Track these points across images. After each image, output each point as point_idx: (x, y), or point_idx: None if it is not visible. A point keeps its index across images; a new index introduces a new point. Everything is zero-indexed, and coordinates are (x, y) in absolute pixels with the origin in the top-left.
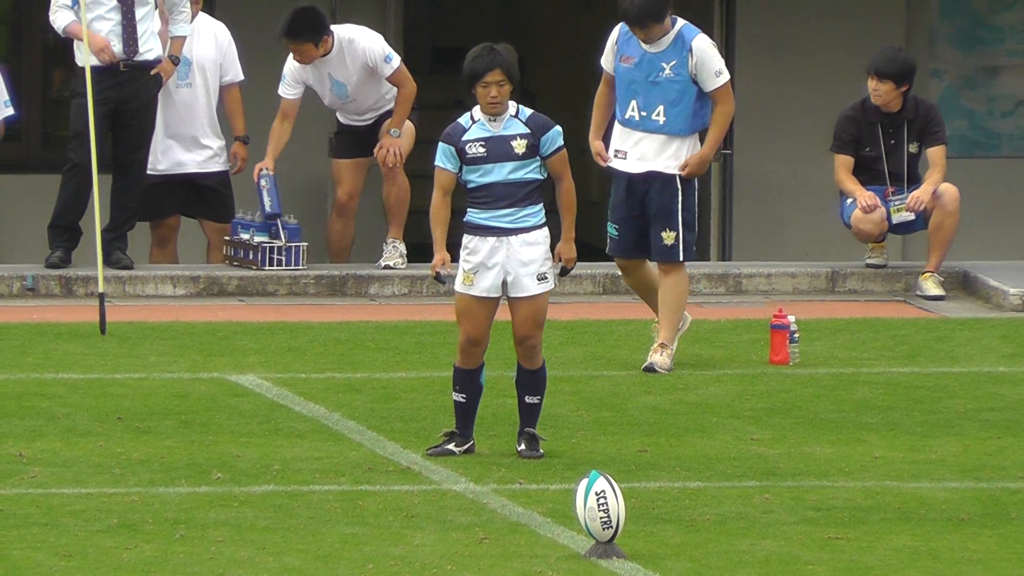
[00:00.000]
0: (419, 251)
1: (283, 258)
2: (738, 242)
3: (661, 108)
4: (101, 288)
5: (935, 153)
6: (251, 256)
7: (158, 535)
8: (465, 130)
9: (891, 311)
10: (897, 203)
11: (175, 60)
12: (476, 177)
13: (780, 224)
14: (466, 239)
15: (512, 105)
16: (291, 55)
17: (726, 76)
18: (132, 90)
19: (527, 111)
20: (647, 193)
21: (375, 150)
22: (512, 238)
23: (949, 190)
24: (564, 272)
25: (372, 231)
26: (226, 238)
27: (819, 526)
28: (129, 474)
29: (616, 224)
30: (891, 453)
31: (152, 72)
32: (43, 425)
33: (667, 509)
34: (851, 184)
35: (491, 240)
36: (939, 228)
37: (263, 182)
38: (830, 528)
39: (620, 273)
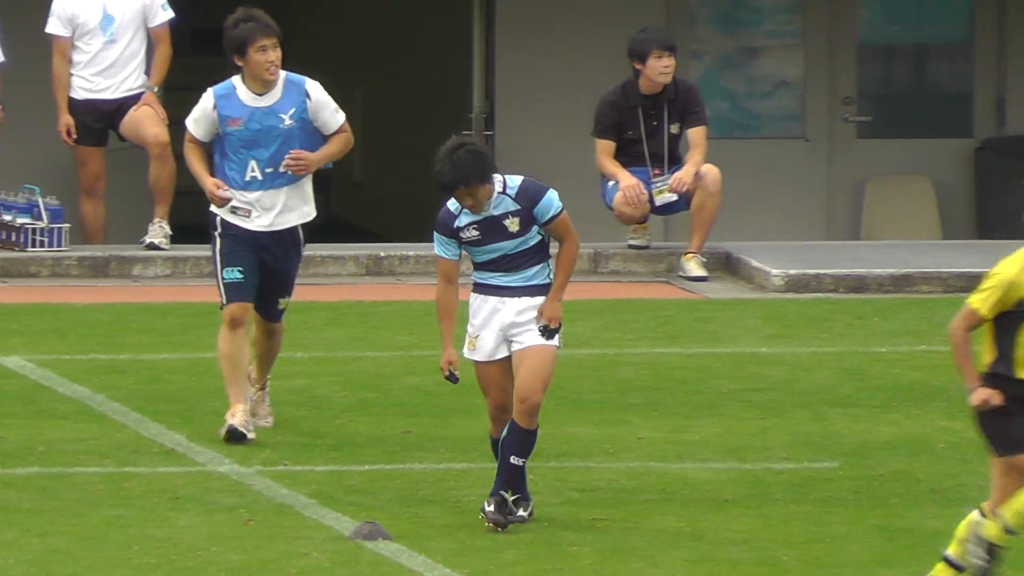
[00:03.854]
0: (184, 232)
1: (45, 239)
2: None
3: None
4: None
5: (696, 134)
6: (13, 237)
7: None
8: (455, 216)
9: (654, 292)
10: (660, 184)
11: None
12: (477, 255)
13: None
14: (471, 298)
15: (498, 180)
16: None
17: (342, 113)
18: None
19: (515, 182)
20: (269, 249)
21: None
22: (515, 300)
23: (711, 171)
24: (547, 332)
25: (132, 211)
26: None
27: (583, 507)
28: None
29: (240, 267)
30: (655, 434)
31: None
32: None
33: (432, 490)
34: (613, 167)
35: (493, 300)
36: (701, 209)
37: None
38: (594, 509)
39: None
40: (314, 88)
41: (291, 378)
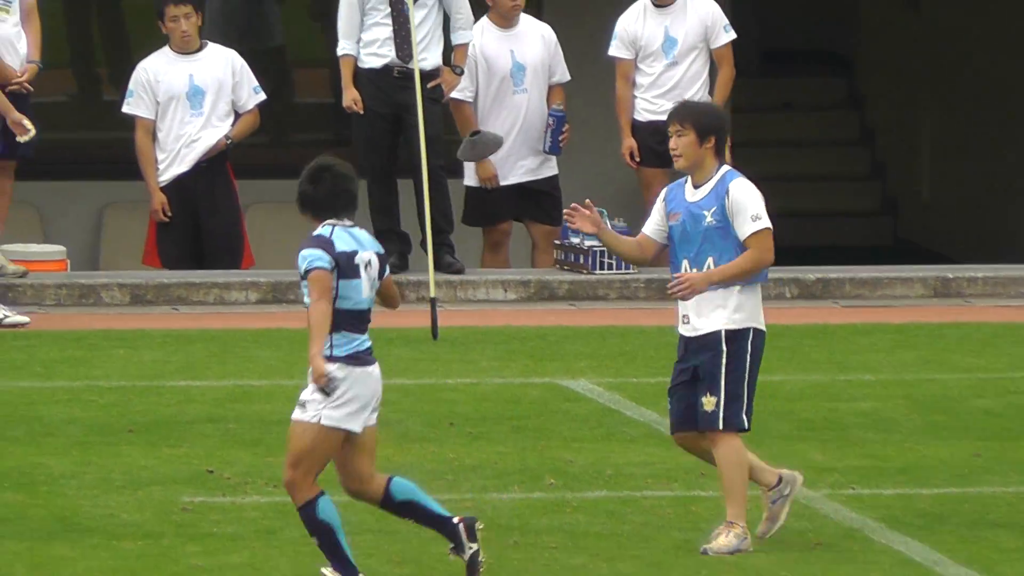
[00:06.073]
0: None
1: (613, 262)
2: None
3: (711, 260)
4: (432, 293)
5: None
6: (581, 260)
7: (492, 541)
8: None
9: None
10: None
11: (458, 71)
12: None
13: None
14: None
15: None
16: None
17: (765, 223)
18: (408, 97)
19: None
20: (698, 354)
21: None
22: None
23: None
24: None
25: None
26: (556, 242)
27: None
28: (462, 480)
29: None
30: None
31: (430, 85)
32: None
33: (1002, 514)
34: None
35: None
36: None
37: (550, 119)
38: None
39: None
40: (737, 185)
41: (858, 400)
